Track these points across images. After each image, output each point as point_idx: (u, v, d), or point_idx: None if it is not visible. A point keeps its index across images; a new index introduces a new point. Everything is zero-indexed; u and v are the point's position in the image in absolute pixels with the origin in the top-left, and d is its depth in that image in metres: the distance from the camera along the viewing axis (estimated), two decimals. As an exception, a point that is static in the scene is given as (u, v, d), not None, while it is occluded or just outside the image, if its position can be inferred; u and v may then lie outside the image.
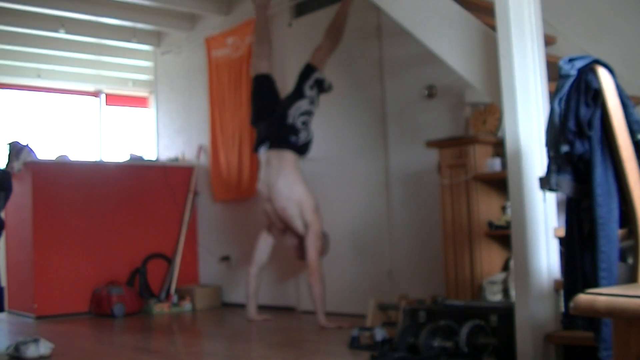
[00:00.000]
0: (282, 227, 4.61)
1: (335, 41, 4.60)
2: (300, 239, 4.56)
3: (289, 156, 4.47)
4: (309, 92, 4.49)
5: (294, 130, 4.45)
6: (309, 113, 4.50)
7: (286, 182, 4.44)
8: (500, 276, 3.42)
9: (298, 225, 4.47)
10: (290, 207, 4.44)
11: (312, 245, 4.37)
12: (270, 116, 4.57)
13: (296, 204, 4.44)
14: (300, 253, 4.65)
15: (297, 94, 4.51)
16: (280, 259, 5.15)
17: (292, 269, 5.26)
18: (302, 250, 4.55)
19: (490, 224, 3.49)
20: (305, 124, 4.48)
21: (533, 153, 2.68)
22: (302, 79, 4.54)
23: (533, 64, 2.76)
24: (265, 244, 4.72)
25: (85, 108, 8.08)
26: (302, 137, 4.48)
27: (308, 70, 4.54)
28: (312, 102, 4.51)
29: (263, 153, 4.56)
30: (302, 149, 4.52)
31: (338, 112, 5.00)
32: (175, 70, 6.75)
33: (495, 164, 3.48)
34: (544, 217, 2.69)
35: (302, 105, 4.47)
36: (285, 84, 5.40)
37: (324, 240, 4.61)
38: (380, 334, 3.28)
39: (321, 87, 4.54)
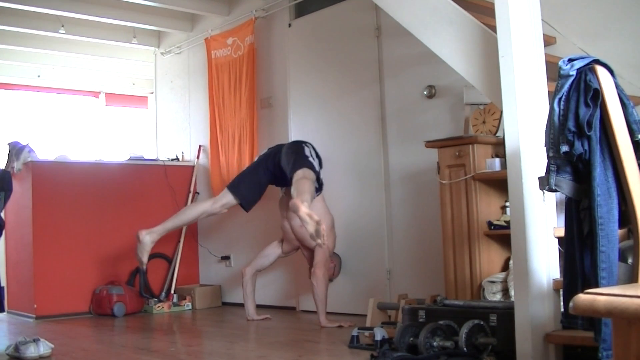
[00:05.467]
0: (297, 245, 4.67)
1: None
2: (313, 255, 4.52)
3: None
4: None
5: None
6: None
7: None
8: (499, 276, 3.43)
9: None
10: None
11: (320, 249, 4.39)
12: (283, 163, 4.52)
13: None
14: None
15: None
16: (281, 260, 5.15)
17: (292, 269, 5.26)
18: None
19: (490, 224, 3.49)
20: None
21: (533, 153, 2.68)
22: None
23: (533, 64, 2.76)
24: (271, 251, 4.77)
25: (85, 108, 8.08)
26: (316, 166, 4.44)
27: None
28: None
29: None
30: (318, 177, 4.45)
31: (337, 112, 5.00)
32: (175, 70, 6.76)
33: (495, 164, 3.48)
34: (543, 217, 2.69)
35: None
36: (286, 85, 5.40)
37: (336, 261, 4.64)
38: (380, 333, 3.28)
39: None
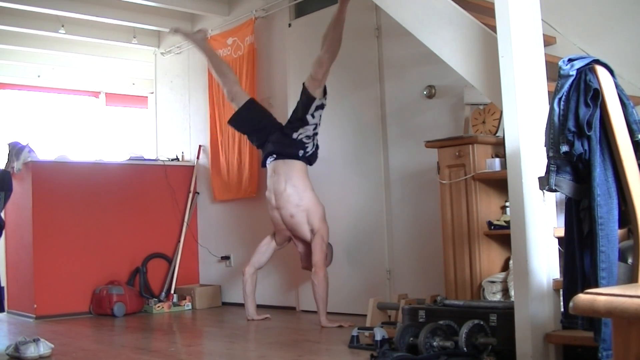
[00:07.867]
0: (288, 235, 4.64)
1: (334, 52, 4.30)
2: (307, 247, 4.56)
3: (297, 165, 4.47)
4: (312, 120, 4.42)
5: (301, 145, 4.45)
6: (314, 134, 4.49)
7: (295, 189, 4.45)
8: (499, 276, 3.43)
9: (305, 231, 4.49)
10: (298, 214, 4.46)
11: (318, 247, 4.39)
12: (275, 135, 4.53)
13: (304, 211, 4.46)
14: (305, 263, 4.65)
15: (301, 122, 4.43)
16: (280, 259, 5.16)
17: (292, 269, 5.26)
18: (308, 259, 4.56)
19: (490, 224, 3.50)
20: (310, 137, 4.46)
21: (533, 153, 2.68)
22: (304, 109, 4.41)
23: (533, 64, 2.76)
24: (266, 247, 4.74)
25: (85, 108, 8.08)
26: (309, 148, 4.48)
27: (308, 100, 4.39)
28: (316, 125, 4.47)
29: (269, 163, 4.56)
30: (310, 159, 4.53)
31: (338, 112, 5.00)
32: (175, 70, 6.76)
33: (495, 164, 3.48)
34: (543, 217, 2.69)
35: (308, 129, 4.44)
36: (286, 85, 5.40)
37: (328, 251, 4.63)
38: (380, 333, 3.28)
39: (322, 108, 4.48)
